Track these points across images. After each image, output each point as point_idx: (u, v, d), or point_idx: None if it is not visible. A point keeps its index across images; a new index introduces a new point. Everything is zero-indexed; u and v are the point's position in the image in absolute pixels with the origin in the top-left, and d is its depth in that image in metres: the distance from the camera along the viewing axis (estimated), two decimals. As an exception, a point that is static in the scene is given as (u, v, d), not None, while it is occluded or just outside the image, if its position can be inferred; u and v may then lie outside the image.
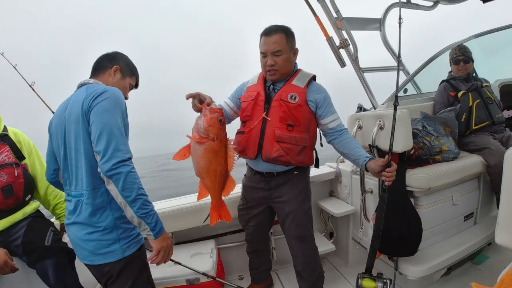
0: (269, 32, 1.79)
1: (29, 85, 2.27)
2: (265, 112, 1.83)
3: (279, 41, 1.77)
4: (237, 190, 2.44)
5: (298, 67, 1.96)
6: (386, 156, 1.69)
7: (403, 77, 2.85)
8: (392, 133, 1.72)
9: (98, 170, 1.24)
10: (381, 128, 2.07)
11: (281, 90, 1.85)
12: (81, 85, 1.46)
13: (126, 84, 1.58)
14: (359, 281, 1.73)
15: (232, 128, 2.01)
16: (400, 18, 1.77)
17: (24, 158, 1.86)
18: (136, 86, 1.70)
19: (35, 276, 1.73)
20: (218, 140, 1.46)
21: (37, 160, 1.95)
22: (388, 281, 1.72)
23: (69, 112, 1.35)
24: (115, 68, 1.53)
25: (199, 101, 1.49)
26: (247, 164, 2.11)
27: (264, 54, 1.81)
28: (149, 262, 1.40)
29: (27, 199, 1.83)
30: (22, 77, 2.25)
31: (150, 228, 1.29)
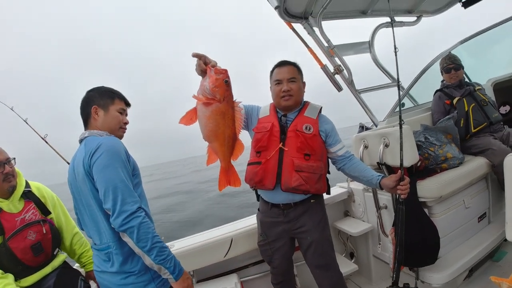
0: (283, 63, 1.96)
1: (42, 138, 2.35)
2: (281, 143, 1.87)
3: (293, 71, 1.93)
4: (253, 221, 2.51)
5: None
6: (399, 171, 1.80)
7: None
8: (401, 149, 1.85)
9: (112, 225, 1.33)
10: (386, 145, 2.19)
11: (295, 121, 1.93)
12: (80, 140, 1.52)
13: (113, 114, 1.58)
14: None
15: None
16: (395, 48, 1.90)
17: (49, 212, 1.90)
18: (128, 105, 1.68)
19: None
20: (225, 101, 1.39)
21: (61, 212, 2.00)
22: None
23: (76, 171, 1.43)
24: (94, 109, 1.54)
25: (204, 63, 1.39)
26: (260, 198, 2.13)
27: (279, 81, 1.93)
28: None
29: (55, 253, 1.88)
30: (34, 130, 2.34)
31: (170, 272, 1.38)
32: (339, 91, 2.58)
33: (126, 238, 1.33)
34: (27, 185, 1.90)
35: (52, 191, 2.04)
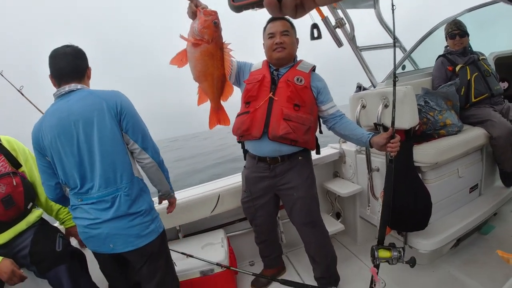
0: (276, 18, 1.90)
1: (18, 90, 2.17)
2: (271, 92, 1.84)
3: (286, 25, 1.89)
4: (237, 179, 2.46)
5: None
6: (390, 128, 1.73)
7: (400, 55, 2.83)
8: (393, 107, 1.78)
9: (147, 161, 1.60)
10: (386, 106, 2.07)
11: (287, 73, 1.89)
12: (68, 92, 1.51)
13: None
14: (375, 253, 1.76)
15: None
16: (392, 5, 1.82)
17: (21, 165, 1.77)
18: None
19: (47, 286, 1.64)
20: (214, 42, 1.37)
21: (35, 165, 1.84)
22: (401, 249, 1.76)
23: (82, 118, 1.45)
24: (89, 70, 1.64)
25: (195, 5, 1.35)
26: (246, 154, 2.09)
27: (272, 35, 1.89)
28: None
29: (29, 207, 1.75)
30: (10, 82, 2.16)
31: (172, 191, 1.90)
32: (339, 47, 2.40)
33: (157, 171, 1.67)
34: None
35: (24, 145, 1.87)
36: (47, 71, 1.55)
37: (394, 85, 1.79)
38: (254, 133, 1.84)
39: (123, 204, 1.49)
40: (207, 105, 1.50)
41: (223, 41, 1.42)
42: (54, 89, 1.55)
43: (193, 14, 1.35)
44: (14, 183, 1.64)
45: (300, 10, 0.43)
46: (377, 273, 1.76)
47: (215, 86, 1.47)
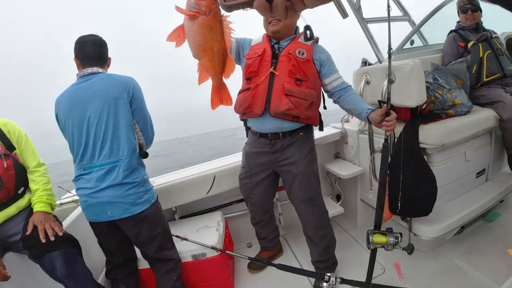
0: None
1: None
2: (272, 67, 1.78)
3: None
4: (238, 158, 2.38)
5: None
6: (385, 105, 1.63)
7: (408, 29, 2.65)
8: (389, 82, 1.67)
9: (141, 141, 1.79)
10: (391, 81, 1.91)
11: (288, 46, 1.82)
12: (91, 74, 1.68)
13: None
14: (370, 237, 1.66)
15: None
16: None
17: (14, 148, 1.73)
18: None
19: (40, 270, 1.56)
20: (211, 14, 1.24)
21: (29, 149, 1.79)
22: (399, 235, 1.64)
23: (105, 93, 1.64)
24: (110, 60, 1.80)
25: None
26: (249, 130, 2.06)
27: None
28: None
29: (19, 192, 1.70)
30: None
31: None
32: (343, 18, 2.23)
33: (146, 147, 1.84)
34: None
35: (21, 128, 1.82)
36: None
37: (389, 57, 1.65)
38: (255, 110, 1.80)
39: (121, 173, 1.62)
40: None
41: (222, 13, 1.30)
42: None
43: None
44: (5, 165, 1.62)
45: (290, 11, 0.43)
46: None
47: (215, 61, 1.36)
